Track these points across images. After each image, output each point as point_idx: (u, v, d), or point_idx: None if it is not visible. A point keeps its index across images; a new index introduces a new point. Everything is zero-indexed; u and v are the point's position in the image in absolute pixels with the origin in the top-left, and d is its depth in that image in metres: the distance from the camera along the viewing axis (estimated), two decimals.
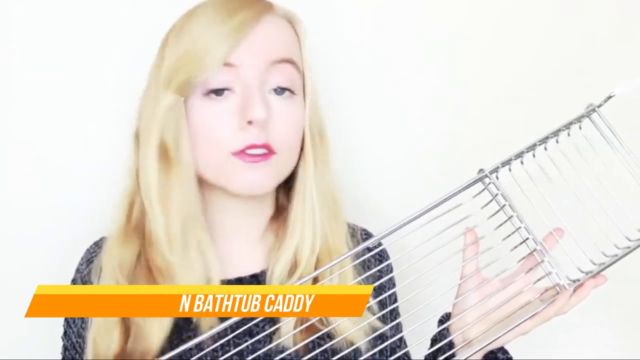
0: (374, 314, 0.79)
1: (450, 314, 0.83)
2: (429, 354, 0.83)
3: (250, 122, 0.75)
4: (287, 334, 0.76)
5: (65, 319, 0.88)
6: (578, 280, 0.74)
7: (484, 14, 1.13)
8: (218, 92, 0.76)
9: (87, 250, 0.89)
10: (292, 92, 0.79)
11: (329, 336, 0.77)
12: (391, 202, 1.10)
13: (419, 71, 1.13)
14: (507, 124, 1.10)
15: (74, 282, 0.88)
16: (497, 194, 0.75)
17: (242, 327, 0.74)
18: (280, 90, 0.78)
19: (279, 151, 0.77)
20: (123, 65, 1.03)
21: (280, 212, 0.86)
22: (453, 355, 0.78)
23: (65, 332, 0.87)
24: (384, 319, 0.82)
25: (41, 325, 0.93)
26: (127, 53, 1.03)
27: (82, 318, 0.83)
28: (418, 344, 0.78)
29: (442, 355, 0.78)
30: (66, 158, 1.05)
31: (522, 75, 1.13)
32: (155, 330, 0.76)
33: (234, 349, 0.76)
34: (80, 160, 1.05)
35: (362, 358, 0.76)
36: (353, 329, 0.77)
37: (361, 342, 0.77)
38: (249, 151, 0.76)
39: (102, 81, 1.04)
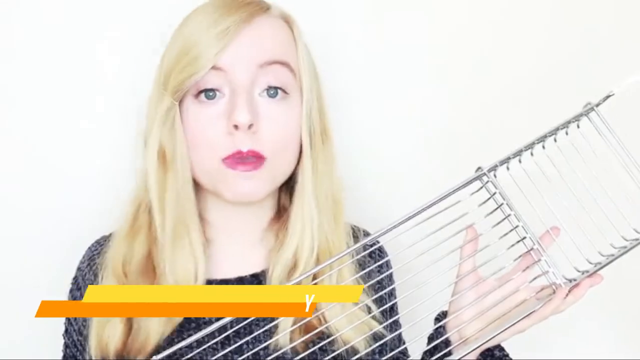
0: (372, 312, 0.79)
1: (446, 312, 0.83)
2: (426, 352, 0.83)
3: (236, 127, 0.75)
4: (284, 332, 0.76)
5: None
6: (574, 279, 0.74)
7: (483, 14, 1.13)
8: (208, 94, 0.76)
9: (89, 248, 0.89)
10: (285, 91, 0.78)
11: (328, 335, 0.77)
12: (390, 203, 1.10)
13: (418, 71, 1.13)
14: (508, 124, 1.10)
15: (75, 280, 0.88)
16: (494, 193, 0.75)
17: (241, 323, 0.75)
18: (273, 92, 0.77)
19: (269, 156, 0.77)
20: (124, 66, 1.04)
21: (281, 212, 0.86)
22: (450, 353, 0.78)
23: (66, 330, 0.87)
24: (382, 317, 0.82)
25: (41, 325, 0.93)
26: (129, 53, 1.03)
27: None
28: (415, 341, 0.78)
29: (438, 353, 0.78)
30: (66, 158, 1.05)
31: (521, 75, 1.13)
32: (154, 326, 0.77)
33: (233, 345, 0.76)
34: (80, 161, 1.05)
35: (359, 355, 0.76)
36: (349, 327, 0.77)
37: (359, 339, 0.77)
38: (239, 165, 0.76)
39: (103, 82, 1.04)
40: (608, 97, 0.72)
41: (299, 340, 0.75)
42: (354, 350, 0.77)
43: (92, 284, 0.83)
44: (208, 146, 0.76)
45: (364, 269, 0.81)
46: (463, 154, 1.09)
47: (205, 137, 0.76)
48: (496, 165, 0.74)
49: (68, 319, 0.87)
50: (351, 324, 0.77)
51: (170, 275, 0.78)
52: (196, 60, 0.75)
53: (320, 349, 0.77)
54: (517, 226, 0.74)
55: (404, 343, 0.89)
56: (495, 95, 1.13)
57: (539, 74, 1.13)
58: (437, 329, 0.82)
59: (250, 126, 0.75)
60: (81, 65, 1.03)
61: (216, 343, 0.77)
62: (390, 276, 0.87)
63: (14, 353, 1.05)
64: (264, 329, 0.76)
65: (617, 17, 1.15)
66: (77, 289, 0.87)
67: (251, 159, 0.76)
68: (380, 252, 0.90)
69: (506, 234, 0.75)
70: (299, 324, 0.76)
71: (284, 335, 0.76)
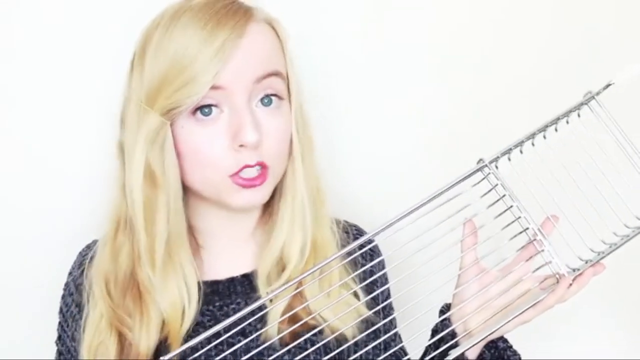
0: (366, 309, 0.80)
1: (450, 304, 0.84)
2: (430, 345, 0.84)
3: (242, 145, 0.74)
4: (276, 332, 0.76)
5: (60, 323, 0.88)
6: (578, 269, 0.75)
7: (484, 13, 1.12)
8: (204, 110, 0.74)
9: (80, 253, 0.89)
10: (279, 97, 0.77)
11: (321, 333, 0.78)
12: (390, 203, 1.10)
13: (418, 70, 1.13)
14: (508, 124, 1.10)
15: (66, 285, 0.88)
16: (496, 184, 0.75)
17: (236, 327, 0.74)
18: (267, 100, 0.76)
19: (272, 164, 0.77)
20: (119, 66, 1.03)
21: (269, 209, 0.85)
22: (456, 344, 0.78)
23: (59, 337, 0.88)
24: (377, 315, 0.82)
25: (41, 325, 0.93)
26: (125, 54, 1.02)
27: (77, 321, 0.83)
28: (415, 337, 0.78)
29: (444, 345, 0.79)
30: (67, 158, 1.05)
31: (522, 75, 1.13)
32: (143, 340, 0.77)
33: (227, 348, 0.76)
34: (81, 161, 1.04)
35: (356, 355, 0.77)
36: (336, 317, 0.77)
37: (347, 327, 0.78)
38: (244, 174, 0.75)
39: (104, 81, 1.02)
40: (608, 85, 0.72)
41: (286, 331, 0.75)
42: (343, 339, 0.78)
43: (83, 290, 0.83)
44: (213, 164, 0.75)
45: (356, 269, 0.81)
46: (463, 153, 1.08)
47: (208, 156, 0.75)
48: (497, 157, 0.74)
49: (61, 325, 0.87)
50: (340, 312, 0.78)
51: (161, 297, 0.77)
52: (194, 80, 0.72)
53: (310, 340, 0.77)
54: (519, 217, 0.75)
55: (401, 341, 0.89)
56: (496, 94, 1.12)
57: (539, 74, 1.12)
58: (442, 321, 0.83)
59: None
60: (82, 65, 1.02)
61: (221, 343, 0.77)
62: (384, 276, 0.87)
63: (14, 353, 1.05)
64: (259, 332, 0.77)
65: (618, 17, 1.14)
66: (69, 295, 0.87)
67: (256, 171, 0.76)
68: (372, 252, 0.89)
69: (509, 224, 0.75)
70: (287, 315, 0.76)
71: (273, 327, 0.77)
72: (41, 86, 1.02)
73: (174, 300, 0.78)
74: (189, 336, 0.78)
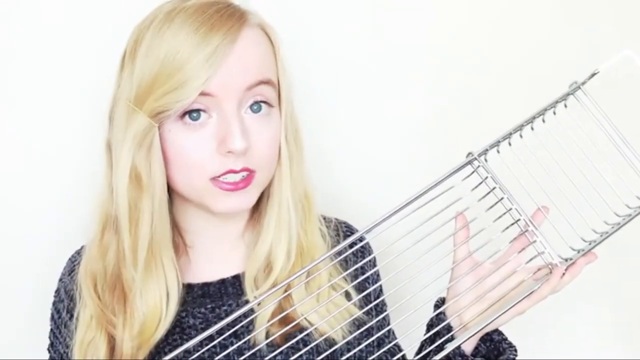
0: (356, 308, 0.80)
1: (444, 298, 0.84)
2: (425, 339, 0.84)
3: (230, 152, 0.74)
4: (264, 336, 0.77)
5: (51, 330, 0.88)
6: (570, 259, 0.75)
7: (483, 14, 1.13)
8: (193, 115, 0.74)
9: (69, 259, 0.89)
10: (269, 104, 0.77)
11: (312, 333, 0.78)
12: (390, 203, 1.11)
13: (418, 71, 1.13)
14: (508, 124, 1.10)
15: (57, 292, 0.88)
16: (486, 177, 0.75)
17: (229, 330, 0.75)
18: (257, 107, 0.76)
19: (258, 169, 0.77)
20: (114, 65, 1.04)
21: (257, 212, 0.85)
22: (452, 337, 0.78)
23: (52, 344, 0.88)
24: (369, 314, 0.83)
25: (41, 325, 0.93)
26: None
27: (68, 327, 0.84)
28: (410, 333, 0.78)
29: (440, 339, 0.79)
30: (67, 158, 1.05)
31: (522, 75, 1.13)
32: (126, 341, 0.77)
33: (221, 351, 0.77)
34: (81, 161, 1.03)
35: (349, 354, 0.77)
36: (325, 319, 0.78)
37: (336, 329, 0.78)
38: (227, 178, 0.75)
39: (104, 81, 1.03)
40: (594, 74, 0.73)
41: (276, 335, 0.75)
42: (334, 340, 0.78)
43: (74, 295, 0.83)
44: (199, 166, 0.75)
45: (347, 267, 0.81)
46: (463, 154, 1.10)
47: (194, 158, 0.75)
48: (486, 149, 0.75)
49: (53, 332, 0.88)
50: (329, 314, 0.78)
51: (143, 298, 0.78)
52: (184, 85, 0.71)
53: (302, 340, 0.77)
54: (510, 209, 0.75)
55: (395, 337, 0.89)
56: (495, 95, 1.13)
57: (539, 74, 1.12)
58: (437, 315, 0.83)
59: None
60: (82, 64, 1.02)
61: (214, 345, 0.77)
62: (375, 273, 0.87)
63: (14, 353, 1.05)
64: (249, 336, 0.77)
65: (617, 17, 1.14)
66: (60, 301, 0.87)
67: (240, 176, 0.75)
68: (363, 249, 0.89)
69: (500, 216, 0.75)
70: (275, 319, 0.76)
71: (261, 331, 0.77)
72: (41, 86, 1.03)
73: (155, 304, 0.78)
74: (180, 339, 0.79)
